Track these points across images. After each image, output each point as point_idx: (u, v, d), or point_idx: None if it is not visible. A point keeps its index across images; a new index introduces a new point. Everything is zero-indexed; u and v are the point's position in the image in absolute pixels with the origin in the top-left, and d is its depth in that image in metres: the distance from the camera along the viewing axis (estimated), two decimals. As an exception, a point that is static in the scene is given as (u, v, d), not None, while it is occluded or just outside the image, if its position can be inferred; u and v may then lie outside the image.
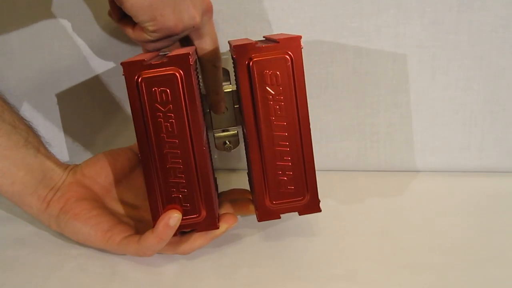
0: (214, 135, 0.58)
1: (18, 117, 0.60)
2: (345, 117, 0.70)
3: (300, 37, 0.49)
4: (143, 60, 0.48)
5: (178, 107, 0.49)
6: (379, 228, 0.60)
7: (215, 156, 0.74)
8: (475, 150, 0.69)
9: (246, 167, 0.67)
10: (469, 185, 0.68)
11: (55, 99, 0.73)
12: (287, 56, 0.49)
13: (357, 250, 0.57)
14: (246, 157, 0.58)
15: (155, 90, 0.49)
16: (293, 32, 0.58)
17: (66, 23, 0.68)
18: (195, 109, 0.50)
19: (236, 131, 0.58)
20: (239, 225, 0.57)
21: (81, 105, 0.73)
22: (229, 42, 0.59)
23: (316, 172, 0.53)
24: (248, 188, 0.62)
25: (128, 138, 0.62)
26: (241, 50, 0.49)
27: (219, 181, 0.64)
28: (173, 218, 0.51)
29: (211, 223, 0.53)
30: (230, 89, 0.56)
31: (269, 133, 0.51)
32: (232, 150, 0.59)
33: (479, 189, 0.67)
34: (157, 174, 0.51)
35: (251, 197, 0.61)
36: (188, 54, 0.49)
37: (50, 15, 0.68)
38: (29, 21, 0.68)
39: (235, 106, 0.56)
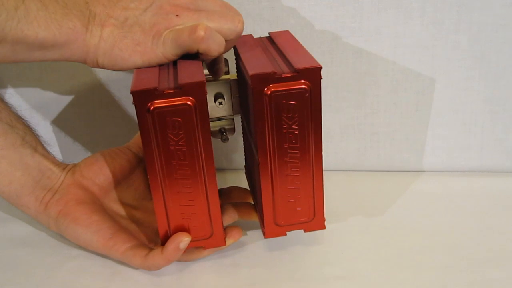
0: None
1: (15, 116, 0.60)
2: (345, 117, 0.70)
3: (321, 68, 0.47)
4: (155, 89, 0.46)
5: (190, 137, 0.48)
6: (379, 228, 0.60)
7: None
8: (475, 150, 0.69)
9: (241, 167, 0.67)
10: (469, 185, 0.68)
11: (55, 98, 0.73)
12: (306, 87, 0.47)
13: (357, 250, 0.57)
14: (248, 162, 0.58)
15: (167, 120, 0.47)
16: (293, 32, 0.58)
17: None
18: (208, 137, 0.49)
19: (232, 119, 0.57)
20: (240, 225, 0.57)
21: (81, 104, 0.73)
22: None
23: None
24: (245, 186, 0.63)
25: (127, 137, 0.62)
26: (258, 80, 0.47)
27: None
28: (184, 242, 0.52)
29: (219, 241, 0.54)
30: (228, 77, 0.55)
31: (281, 160, 0.50)
32: (228, 140, 0.58)
33: (479, 189, 0.67)
34: (167, 199, 0.51)
35: (252, 201, 0.61)
36: (204, 83, 0.47)
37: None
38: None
39: (234, 96, 0.55)
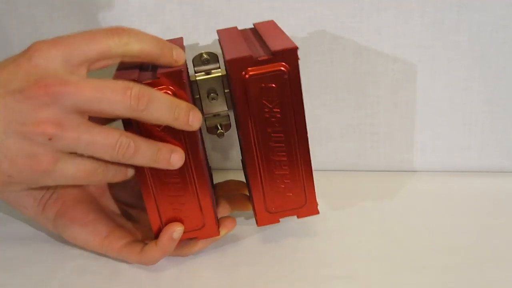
0: (205, 120, 0.57)
1: None
2: (345, 117, 0.70)
3: (297, 48, 0.47)
4: (134, 80, 0.46)
5: (172, 127, 0.48)
6: (379, 228, 0.60)
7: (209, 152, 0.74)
8: (475, 150, 0.69)
9: (240, 167, 0.67)
10: (469, 185, 0.68)
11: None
12: (284, 69, 0.48)
13: (356, 250, 0.57)
14: (242, 159, 0.57)
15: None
16: (293, 32, 0.58)
17: (66, 23, 0.68)
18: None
19: (227, 115, 0.57)
20: (238, 224, 0.57)
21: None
22: (217, 31, 0.58)
23: (316, 172, 0.53)
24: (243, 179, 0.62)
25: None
26: (235, 64, 0.47)
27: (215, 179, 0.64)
28: (177, 231, 0.52)
29: (212, 231, 0.54)
30: (220, 74, 0.54)
31: (266, 144, 0.50)
32: (224, 135, 0.58)
33: (479, 189, 0.67)
34: (155, 190, 0.51)
35: (247, 192, 0.61)
36: (181, 71, 0.47)
37: (50, 15, 0.68)
38: (29, 21, 0.68)
39: (225, 91, 0.55)
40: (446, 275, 0.52)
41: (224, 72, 0.54)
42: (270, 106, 0.49)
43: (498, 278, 0.52)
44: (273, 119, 0.49)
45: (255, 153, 0.51)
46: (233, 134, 0.61)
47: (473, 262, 0.54)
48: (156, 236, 0.53)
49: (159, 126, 0.48)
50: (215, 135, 0.57)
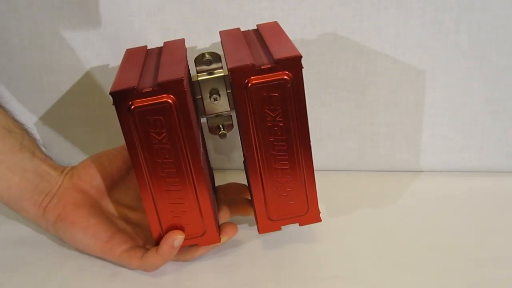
0: (207, 119, 0.56)
1: (12, 121, 0.60)
2: (345, 117, 0.70)
3: (301, 56, 0.47)
4: (134, 88, 0.46)
5: (173, 134, 0.48)
6: (379, 228, 0.60)
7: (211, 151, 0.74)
8: (475, 150, 0.69)
9: (242, 167, 0.67)
10: (469, 185, 0.68)
11: (55, 99, 0.73)
12: (287, 77, 0.47)
13: (357, 250, 0.57)
14: (244, 161, 0.58)
15: (148, 118, 0.47)
16: (293, 32, 0.58)
17: (66, 23, 0.68)
18: (191, 133, 0.48)
19: (230, 115, 0.57)
20: (238, 225, 0.57)
21: (81, 105, 0.73)
22: (220, 33, 0.58)
23: (316, 172, 0.53)
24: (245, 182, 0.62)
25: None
26: (238, 73, 0.47)
27: (216, 181, 0.64)
28: (178, 239, 0.52)
29: (213, 238, 0.53)
30: (222, 74, 0.54)
31: (268, 153, 0.50)
32: (226, 136, 0.58)
33: (479, 189, 0.67)
34: (156, 198, 0.51)
35: (249, 196, 0.60)
36: (182, 80, 0.46)
37: (50, 15, 0.68)
38: (29, 21, 0.68)
39: (228, 91, 0.55)
40: (446, 275, 0.52)
41: (227, 72, 0.54)
42: (273, 115, 0.48)
43: (498, 278, 0.52)
44: (275, 128, 0.49)
45: (257, 162, 0.50)
46: (235, 135, 0.61)
47: (473, 262, 0.54)
48: (157, 243, 0.52)
49: (159, 135, 0.48)
50: (217, 136, 0.57)
